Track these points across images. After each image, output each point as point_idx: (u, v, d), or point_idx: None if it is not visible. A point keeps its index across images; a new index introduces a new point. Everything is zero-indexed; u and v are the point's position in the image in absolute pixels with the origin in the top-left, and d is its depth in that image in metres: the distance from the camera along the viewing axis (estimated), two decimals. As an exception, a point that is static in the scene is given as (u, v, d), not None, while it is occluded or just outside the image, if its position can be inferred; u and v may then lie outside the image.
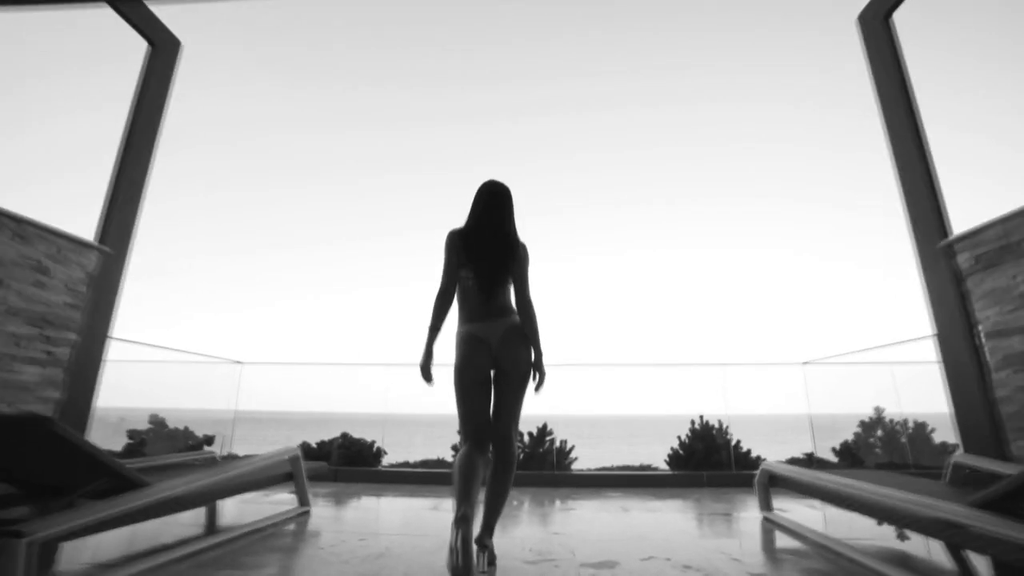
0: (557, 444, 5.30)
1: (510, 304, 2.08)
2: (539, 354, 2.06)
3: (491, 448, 2.04)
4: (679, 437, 5.35)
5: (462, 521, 1.61)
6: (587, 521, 2.89)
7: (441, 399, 2.17)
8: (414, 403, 5.66)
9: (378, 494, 3.82)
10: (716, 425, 5.13)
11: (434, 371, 2.05)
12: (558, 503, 3.51)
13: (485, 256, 2.05)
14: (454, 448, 5.45)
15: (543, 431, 5.37)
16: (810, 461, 5.12)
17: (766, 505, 2.95)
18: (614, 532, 2.60)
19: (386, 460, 5.62)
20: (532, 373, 2.05)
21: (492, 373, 2.05)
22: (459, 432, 2.10)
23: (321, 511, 3.09)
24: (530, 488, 4.19)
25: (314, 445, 5.33)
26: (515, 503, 3.49)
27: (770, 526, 2.76)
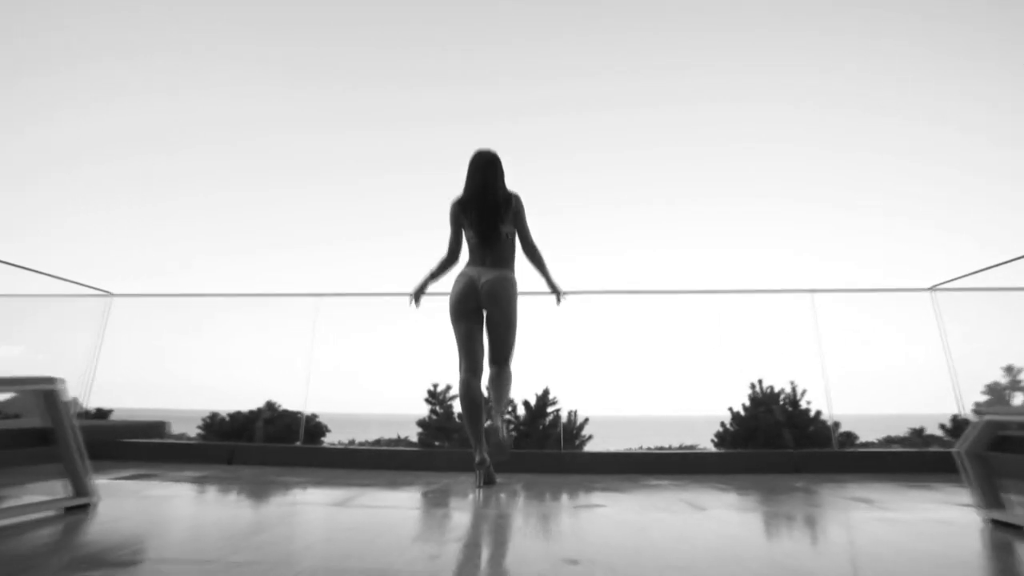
0: (564, 418, 3.85)
1: (507, 259, 2.38)
2: (551, 279, 2.52)
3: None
4: (731, 410, 3.90)
5: (480, 465, 2.21)
6: (628, 531, 1.43)
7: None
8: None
9: (296, 484, 2.34)
10: (786, 390, 3.67)
11: (423, 306, 2.48)
12: (568, 498, 2.05)
13: (482, 215, 2.34)
14: (420, 424, 3.99)
15: (544, 400, 3.91)
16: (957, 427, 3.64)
17: (991, 497, 1.50)
18: (696, 556, 1.14)
19: (331, 438, 4.18)
20: (514, 317, 2.31)
21: (484, 314, 2.33)
22: (458, 357, 2.31)
23: (125, 506, 1.63)
24: (525, 475, 2.73)
25: (226, 416, 3.88)
26: (503, 496, 2.04)
27: (1018, 540, 1.30)
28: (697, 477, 2.59)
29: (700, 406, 4.00)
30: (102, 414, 3.93)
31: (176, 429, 4.11)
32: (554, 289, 2.54)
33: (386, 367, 4.29)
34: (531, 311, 3.79)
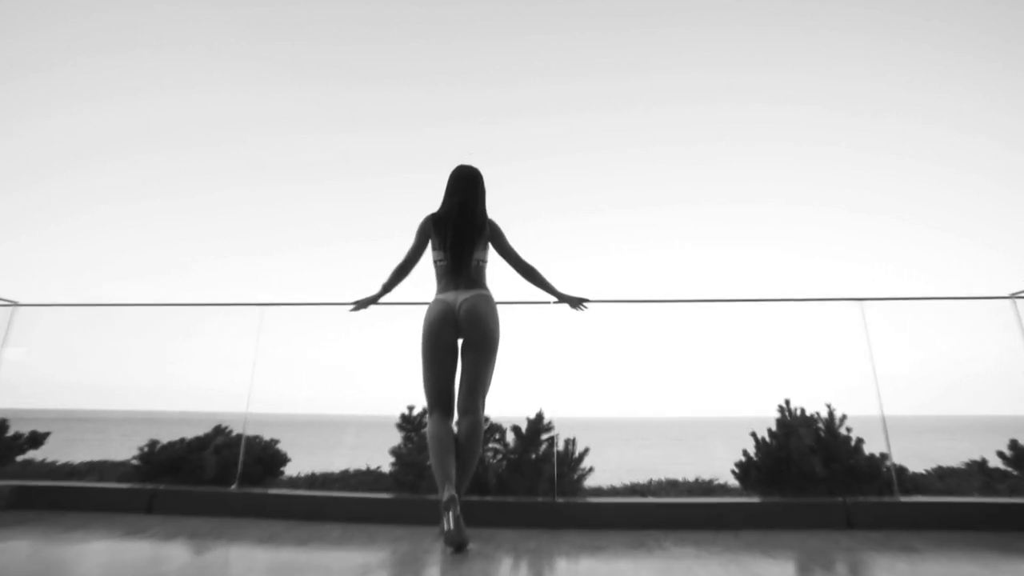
0: (560, 446, 3.30)
1: (482, 280, 2.21)
2: (559, 292, 2.40)
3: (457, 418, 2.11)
4: (754, 435, 3.35)
5: (451, 503, 1.81)
6: None
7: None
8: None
9: (214, 561, 1.79)
10: (821, 415, 3.12)
11: (368, 313, 2.38)
12: (565, 565, 1.50)
13: (457, 237, 2.17)
14: (394, 454, 3.44)
15: (538, 425, 3.36)
16: None
17: None
18: None
19: (291, 470, 3.62)
20: (495, 339, 2.14)
21: (460, 343, 2.19)
22: (425, 397, 2.15)
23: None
24: (509, 531, 2.17)
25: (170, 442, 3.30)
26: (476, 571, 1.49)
27: None
28: (726, 537, 2.04)
29: (712, 408, 3.48)
30: None
31: (107, 459, 3.55)
32: (562, 298, 2.42)
33: (358, 369, 3.74)
34: (525, 321, 3.26)
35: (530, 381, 3.46)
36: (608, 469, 3.57)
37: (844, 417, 3.03)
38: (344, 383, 3.59)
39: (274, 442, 3.63)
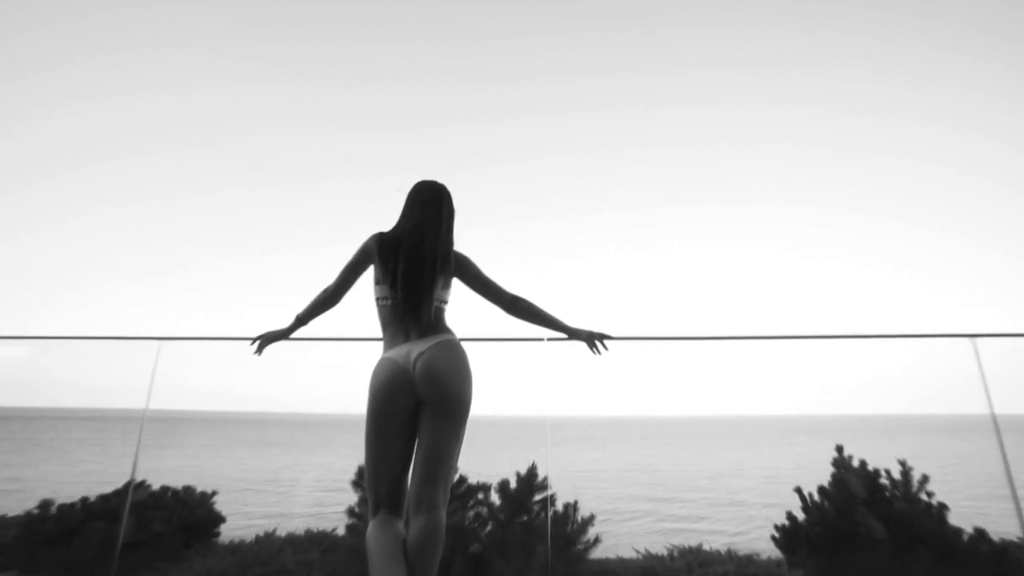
0: (558, 506, 2.63)
1: (441, 325, 1.69)
2: (564, 324, 1.85)
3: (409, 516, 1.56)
4: (799, 491, 2.69)
5: None
6: None
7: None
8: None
9: None
10: (892, 472, 2.45)
11: (271, 349, 1.88)
12: None
13: (410, 268, 1.64)
14: (353, 514, 2.77)
15: (529, 482, 2.69)
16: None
17: None
18: None
19: (228, 532, 2.95)
20: (464, 402, 1.61)
21: (417, 411, 1.62)
22: (365, 492, 1.63)
23: None
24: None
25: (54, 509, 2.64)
26: None
27: None
28: None
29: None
30: None
31: None
32: (573, 334, 1.87)
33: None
34: (511, 359, 2.60)
35: (522, 430, 2.84)
36: (620, 534, 2.91)
37: (925, 478, 2.35)
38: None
39: (207, 496, 2.97)
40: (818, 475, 2.78)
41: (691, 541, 3.20)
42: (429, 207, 1.77)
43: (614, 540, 3.01)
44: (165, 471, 3.03)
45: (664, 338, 2.44)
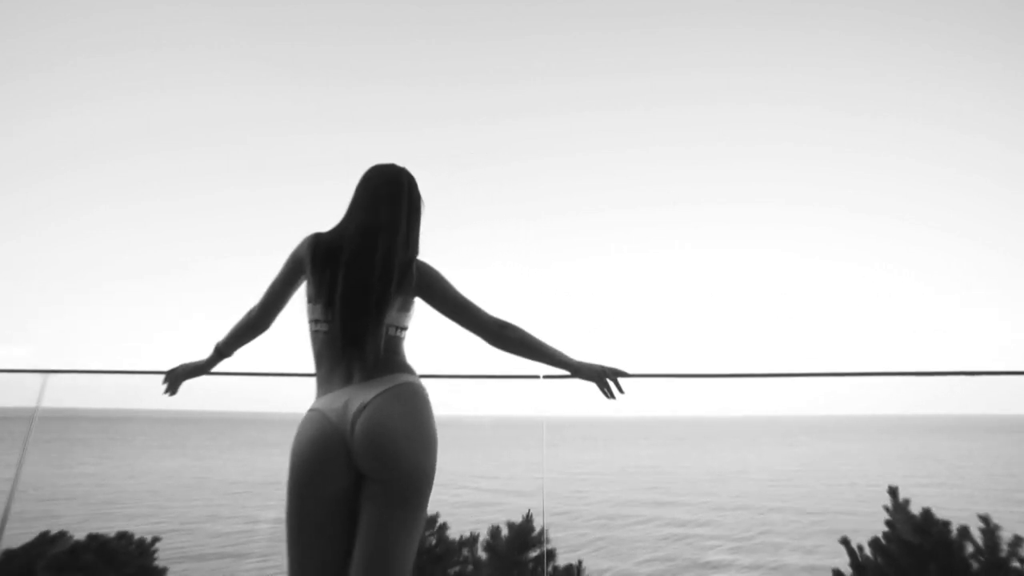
0: (557, 562, 2.20)
1: (396, 361, 1.24)
2: (571, 361, 1.37)
3: None
4: (847, 543, 2.26)
5: None
6: None
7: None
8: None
9: None
10: (971, 529, 2.02)
11: (187, 386, 1.50)
12: None
13: (352, 284, 1.20)
14: None
15: (524, 534, 2.25)
16: None
17: None
18: None
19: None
20: (423, 478, 1.13)
21: (358, 492, 1.16)
22: None
23: None
24: None
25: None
26: None
27: None
28: None
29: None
30: None
31: None
32: (578, 370, 1.38)
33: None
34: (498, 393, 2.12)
35: (518, 430, 2.41)
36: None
37: (1019, 541, 1.89)
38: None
39: (148, 543, 2.51)
40: (829, 484, 2.38)
41: (695, 548, 2.89)
42: (382, 201, 1.31)
43: (617, 545, 2.70)
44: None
45: (685, 375, 1.99)
